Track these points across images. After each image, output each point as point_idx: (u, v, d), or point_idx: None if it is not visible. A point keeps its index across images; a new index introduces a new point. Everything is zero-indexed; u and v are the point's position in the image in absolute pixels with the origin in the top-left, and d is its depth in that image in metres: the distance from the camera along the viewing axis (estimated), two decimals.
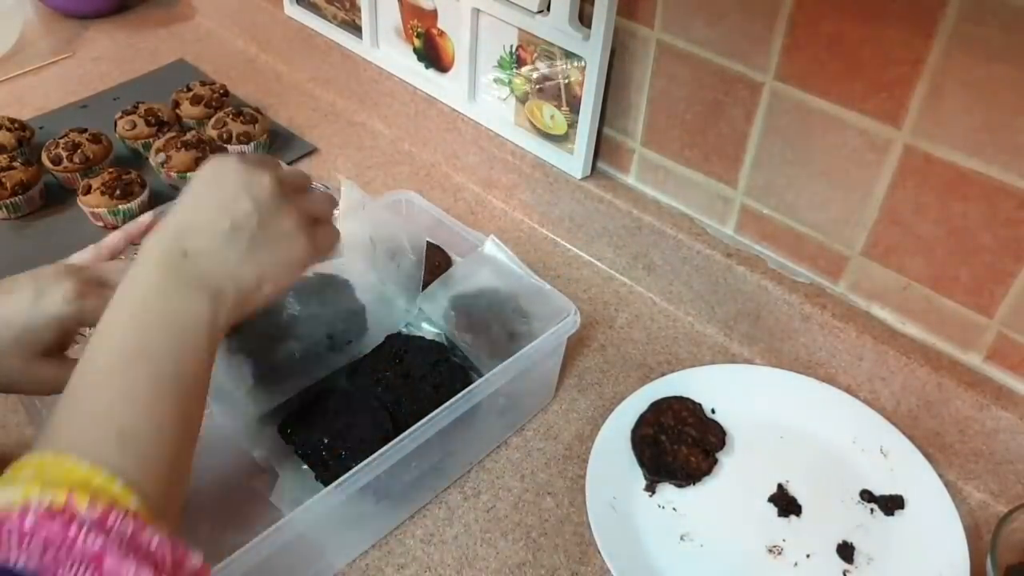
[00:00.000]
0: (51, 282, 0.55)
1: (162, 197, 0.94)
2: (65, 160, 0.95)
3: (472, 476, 0.69)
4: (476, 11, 0.87)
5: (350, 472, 0.55)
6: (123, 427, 0.41)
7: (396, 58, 1.03)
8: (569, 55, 0.80)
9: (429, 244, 0.76)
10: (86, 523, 0.36)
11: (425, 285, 0.73)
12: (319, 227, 0.54)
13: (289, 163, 0.99)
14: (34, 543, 0.35)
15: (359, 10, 1.03)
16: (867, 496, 0.67)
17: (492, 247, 0.74)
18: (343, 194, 0.79)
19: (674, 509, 0.66)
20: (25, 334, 0.54)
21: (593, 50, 0.77)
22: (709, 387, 0.74)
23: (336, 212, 0.61)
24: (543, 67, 0.84)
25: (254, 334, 0.67)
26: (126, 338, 0.45)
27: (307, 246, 0.52)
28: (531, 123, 0.90)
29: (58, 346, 0.55)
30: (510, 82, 0.89)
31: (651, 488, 0.67)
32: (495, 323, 0.70)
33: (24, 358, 0.54)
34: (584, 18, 0.78)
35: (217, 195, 0.50)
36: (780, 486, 0.68)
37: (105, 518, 0.37)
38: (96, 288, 0.56)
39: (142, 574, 0.36)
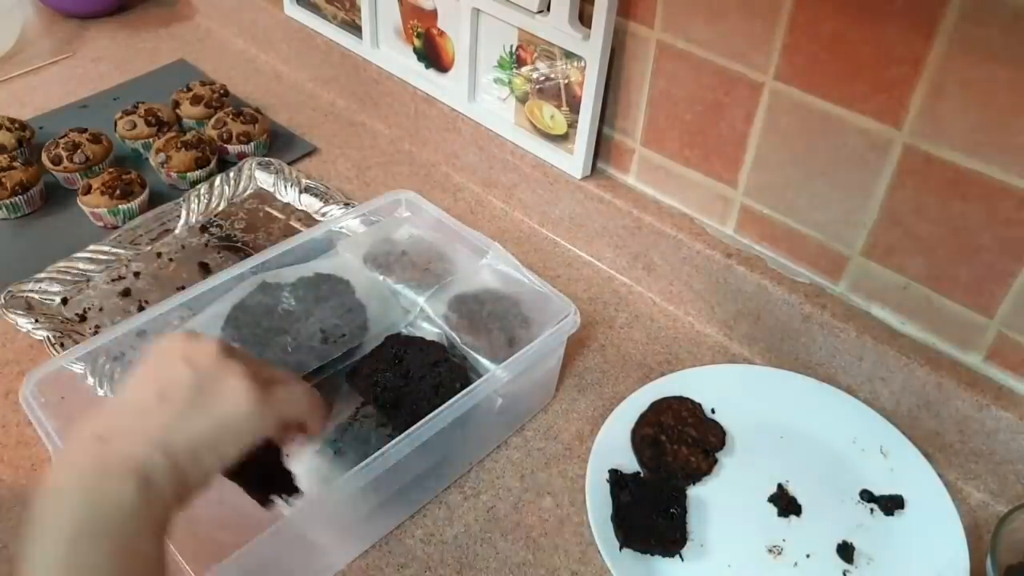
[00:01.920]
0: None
1: (162, 197, 0.94)
2: (65, 160, 0.95)
3: (472, 476, 0.69)
4: (476, 11, 0.87)
5: (350, 472, 0.55)
6: None
7: (396, 58, 1.03)
8: (569, 55, 0.80)
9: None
10: None
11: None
12: (275, 386, 0.48)
13: (289, 163, 1.00)
14: None
15: (359, 10, 1.03)
16: (867, 496, 0.67)
17: (496, 255, 0.74)
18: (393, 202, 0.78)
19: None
20: None
21: (593, 50, 0.77)
22: (709, 387, 0.74)
23: None
24: (543, 67, 0.84)
25: (248, 326, 0.67)
26: (49, 548, 0.38)
27: (253, 404, 0.45)
28: (531, 123, 0.90)
29: None
30: (510, 82, 0.89)
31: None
32: (495, 326, 0.70)
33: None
34: (584, 18, 0.78)
35: (151, 371, 0.46)
36: (780, 486, 0.68)
37: None
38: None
39: None
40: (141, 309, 0.81)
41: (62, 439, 0.60)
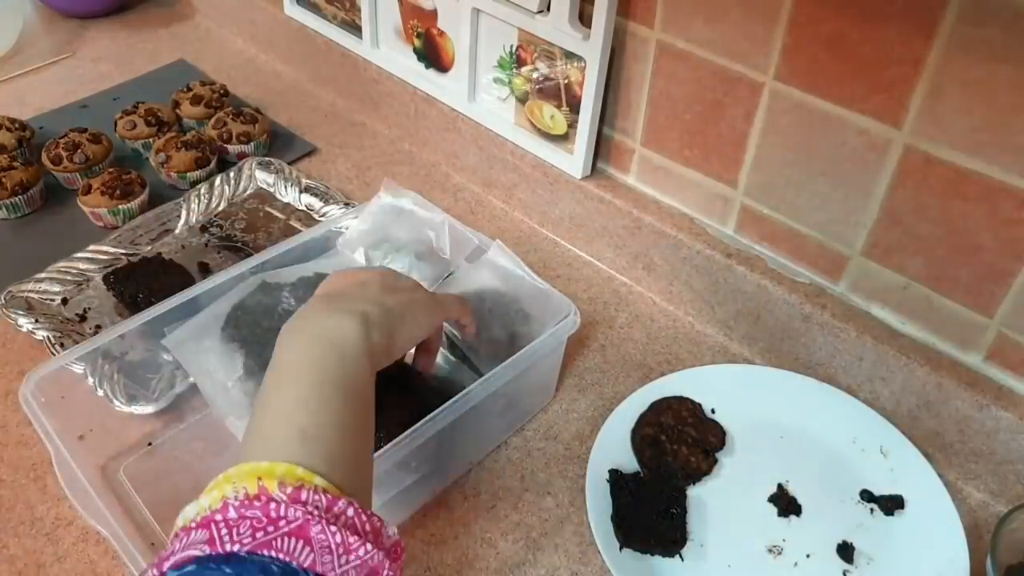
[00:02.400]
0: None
1: (162, 197, 0.94)
2: (65, 160, 0.95)
3: (472, 476, 0.69)
4: (476, 11, 0.87)
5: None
6: (302, 425, 0.44)
7: (396, 58, 1.03)
8: (569, 55, 0.80)
9: None
10: (283, 501, 0.39)
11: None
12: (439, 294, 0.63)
13: (289, 163, 1.00)
14: (243, 529, 0.37)
15: (359, 10, 1.03)
16: (867, 496, 0.67)
17: (497, 251, 0.74)
18: (383, 195, 0.79)
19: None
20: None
21: (593, 50, 0.77)
22: (709, 387, 0.74)
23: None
24: (543, 67, 0.84)
25: (248, 326, 0.67)
26: (295, 354, 0.48)
27: (429, 297, 0.59)
28: (531, 123, 0.90)
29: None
30: (510, 82, 0.89)
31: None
32: (496, 323, 0.70)
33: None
34: (584, 18, 0.78)
35: (340, 279, 0.59)
36: (780, 486, 0.68)
37: (298, 494, 0.39)
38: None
39: (348, 539, 0.38)
40: (140, 309, 0.80)
41: (62, 439, 0.60)
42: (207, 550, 0.36)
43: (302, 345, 0.49)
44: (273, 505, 0.38)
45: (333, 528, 0.38)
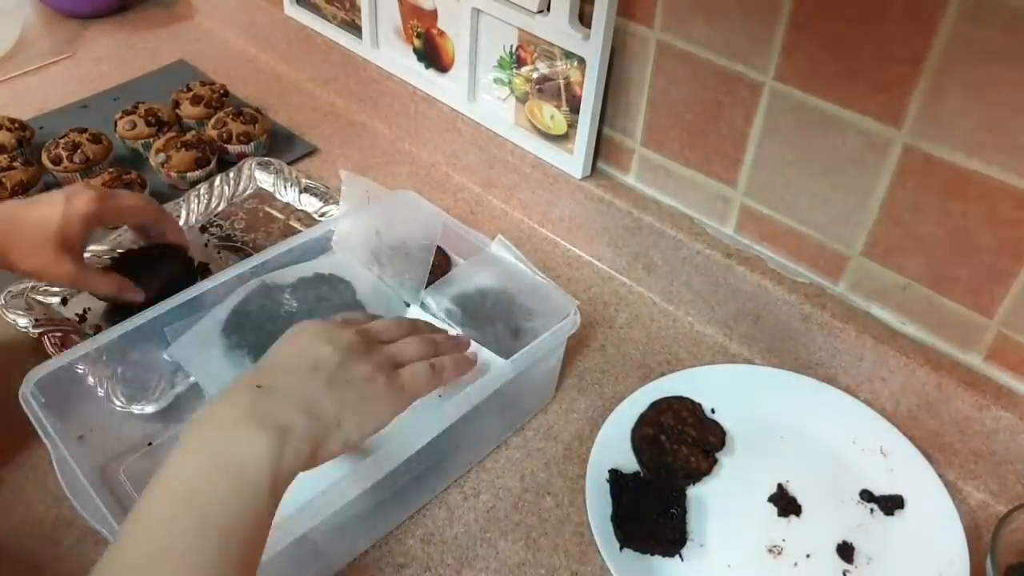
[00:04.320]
0: (79, 190, 0.70)
1: (162, 197, 0.94)
2: (65, 160, 0.95)
3: (472, 476, 0.69)
4: (476, 11, 0.87)
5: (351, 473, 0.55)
6: None
7: (396, 58, 1.03)
8: (569, 55, 0.80)
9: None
10: None
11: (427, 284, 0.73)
12: (398, 375, 0.54)
13: (289, 163, 1.00)
14: None
15: (359, 10, 1.03)
16: (867, 496, 0.67)
17: (499, 246, 0.74)
18: (344, 187, 0.79)
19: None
20: (58, 230, 0.68)
21: (593, 50, 0.77)
22: (709, 387, 0.74)
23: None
24: (543, 67, 0.84)
25: (253, 331, 0.67)
26: (183, 475, 0.43)
27: (387, 386, 0.52)
28: (531, 123, 0.90)
29: (80, 244, 0.70)
30: (510, 82, 0.89)
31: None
32: (499, 320, 0.70)
33: (55, 251, 0.68)
34: (584, 18, 0.78)
35: (298, 344, 0.53)
36: (780, 486, 0.68)
37: None
38: (111, 196, 0.72)
39: None
40: (141, 309, 0.80)
41: (62, 439, 0.60)
42: None
43: (195, 465, 0.43)
44: None
45: None
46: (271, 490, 0.44)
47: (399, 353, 0.56)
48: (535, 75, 0.86)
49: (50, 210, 0.68)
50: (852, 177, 0.67)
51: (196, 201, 0.93)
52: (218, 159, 0.99)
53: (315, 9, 1.12)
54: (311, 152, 1.05)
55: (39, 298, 0.81)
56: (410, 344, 0.57)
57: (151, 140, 1.01)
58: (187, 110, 1.06)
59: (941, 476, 0.67)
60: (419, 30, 0.97)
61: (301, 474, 0.47)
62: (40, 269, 0.69)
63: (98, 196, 0.70)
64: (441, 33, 0.95)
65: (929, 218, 0.64)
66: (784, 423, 0.72)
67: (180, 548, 0.40)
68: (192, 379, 0.70)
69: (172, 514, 0.41)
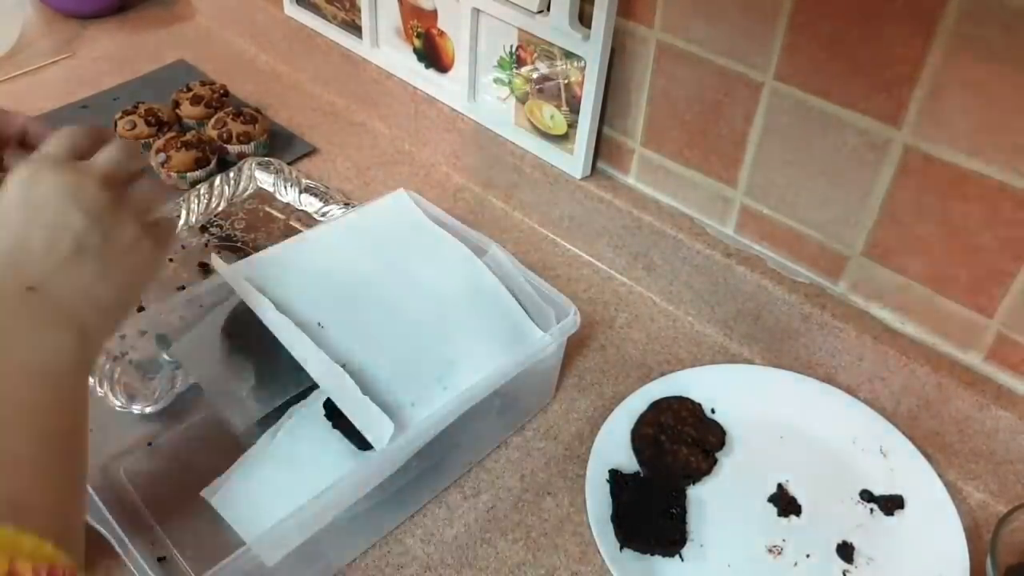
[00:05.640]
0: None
1: None
2: None
3: (472, 476, 0.69)
4: (476, 11, 0.87)
5: (351, 474, 0.55)
6: (13, 500, 0.37)
7: (396, 58, 1.03)
8: (569, 55, 0.80)
9: None
10: None
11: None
12: (156, 224, 0.50)
13: (289, 163, 1.00)
14: None
15: (359, 10, 1.03)
16: (867, 496, 0.67)
17: (496, 252, 0.74)
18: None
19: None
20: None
21: (593, 50, 0.77)
22: (709, 387, 0.74)
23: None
24: (543, 67, 0.84)
25: (256, 335, 0.67)
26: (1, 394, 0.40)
27: (153, 249, 0.48)
28: (531, 123, 0.90)
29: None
30: (510, 82, 0.89)
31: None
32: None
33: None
34: (584, 18, 0.78)
35: (42, 215, 0.44)
36: (780, 486, 0.68)
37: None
38: None
39: None
40: (141, 309, 0.80)
41: None
42: None
43: (11, 383, 0.40)
44: None
45: None
46: (83, 383, 0.44)
47: (144, 201, 0.50)
48: (535, 75, 0.86)
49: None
50: (852, 177, 0.67)
51: (196, 201, 0.93)
52: (218, 159, 0.99)
53: (315, 9, 1.12)
54: (311, 152, 1.05)
55: None
56: (148, 191, 0.51)
57: (151, 140, 1.01)
58: (187, 110, 1.06)
59: (941, 476, 0.67)
60: (419, 30, 0.97)
61: (301, 474, 0.47)
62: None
63: None
64: (441, 33, 0.95)
65: (929, 218, 0.64)
66: (784, 423, 0.72)
67: (21, 463, 0.39)
68: (192, 379, 0.70)
69: (3, 430, 0.39)
